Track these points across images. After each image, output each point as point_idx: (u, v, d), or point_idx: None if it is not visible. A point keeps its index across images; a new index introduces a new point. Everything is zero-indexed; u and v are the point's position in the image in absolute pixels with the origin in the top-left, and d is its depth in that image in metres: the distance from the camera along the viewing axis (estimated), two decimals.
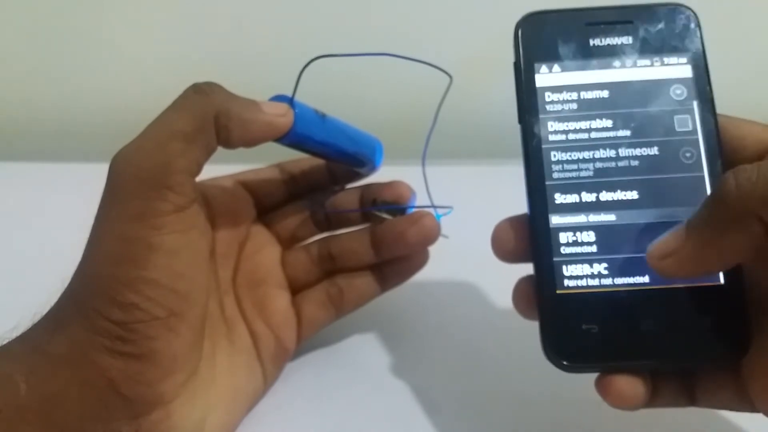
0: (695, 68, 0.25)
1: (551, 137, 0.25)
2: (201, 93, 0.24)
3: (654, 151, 0.24)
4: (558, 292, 0.24)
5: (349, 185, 0.32)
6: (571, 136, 0.25)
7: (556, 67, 0.25)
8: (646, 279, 0.23)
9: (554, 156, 0.25)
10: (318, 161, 0.31)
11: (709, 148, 0.24)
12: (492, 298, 0.35)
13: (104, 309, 0.22)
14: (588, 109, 0.25)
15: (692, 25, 0.25)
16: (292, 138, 0.26)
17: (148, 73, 0.50)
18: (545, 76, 0.25)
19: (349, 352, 0.32)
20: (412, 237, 0.29)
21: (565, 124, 0.25)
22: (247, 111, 0.24)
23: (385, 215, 0.30)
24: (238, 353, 0.28)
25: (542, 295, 0.24)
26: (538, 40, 0.25)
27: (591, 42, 0.25)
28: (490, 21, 0.48)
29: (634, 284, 0.23)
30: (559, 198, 0.24)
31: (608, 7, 0.25)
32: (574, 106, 0.25)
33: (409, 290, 0.32)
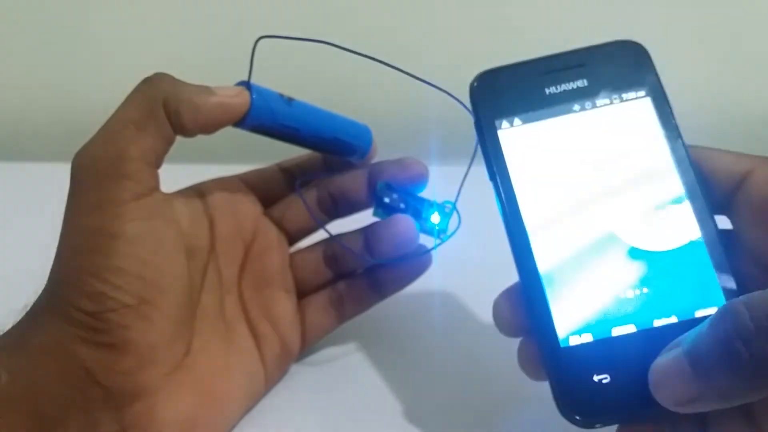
0: (655, 101, 0.24)
1: (525, 193, 0.24)
2: (148, 82, 0.24)
3: (631, 193, 0.24)
4: (562, 346, 0.23)
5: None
6: (545, 189, 0.24)
7: (516, 121, 0.25)
8: (649, 321, 0.23)
9: (532, 211, 0.24)
10: (313, 154, 0.31)
11: (688, 183, 0.24)
12: (493, 299, 0.34)
13: (75, 300, 0.22)
14: (555, 157, 0.24)
15: (643, 59, 0.25)
16: (253, 120, 0.26)
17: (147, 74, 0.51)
18: (507, 131, 0.25)
19: (350, 353, 0.32)
20: (386, 240, 0.28)
21: (536, 176, 0.24)
22: (197, 95, 0.24)
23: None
24: (236, 354, 0.27)
25: (546, 354, 0.23)
26: (495, 96, 0.25)
27: (547, 91, 0.25)
28: (495, 25, 0.49)
29: (639, 328, 0.23)
30: (546, 251, 0.24)
31: (558, 55, 0.25)
32: (540, 156, 0.25)
33: (410, 292, 0.31)
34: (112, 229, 0.22)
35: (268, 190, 0.31)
